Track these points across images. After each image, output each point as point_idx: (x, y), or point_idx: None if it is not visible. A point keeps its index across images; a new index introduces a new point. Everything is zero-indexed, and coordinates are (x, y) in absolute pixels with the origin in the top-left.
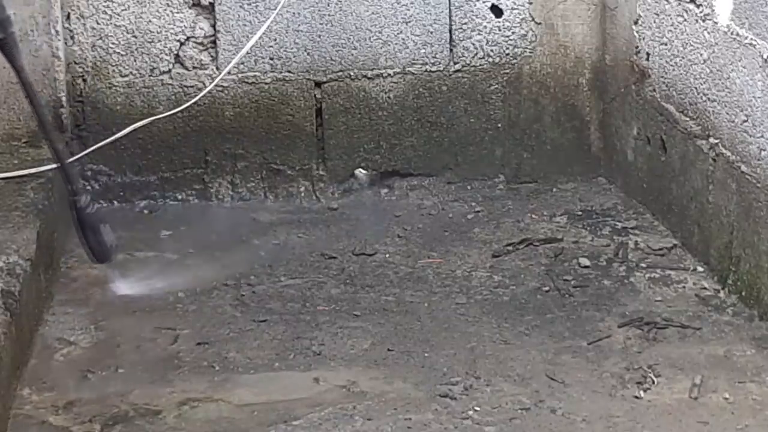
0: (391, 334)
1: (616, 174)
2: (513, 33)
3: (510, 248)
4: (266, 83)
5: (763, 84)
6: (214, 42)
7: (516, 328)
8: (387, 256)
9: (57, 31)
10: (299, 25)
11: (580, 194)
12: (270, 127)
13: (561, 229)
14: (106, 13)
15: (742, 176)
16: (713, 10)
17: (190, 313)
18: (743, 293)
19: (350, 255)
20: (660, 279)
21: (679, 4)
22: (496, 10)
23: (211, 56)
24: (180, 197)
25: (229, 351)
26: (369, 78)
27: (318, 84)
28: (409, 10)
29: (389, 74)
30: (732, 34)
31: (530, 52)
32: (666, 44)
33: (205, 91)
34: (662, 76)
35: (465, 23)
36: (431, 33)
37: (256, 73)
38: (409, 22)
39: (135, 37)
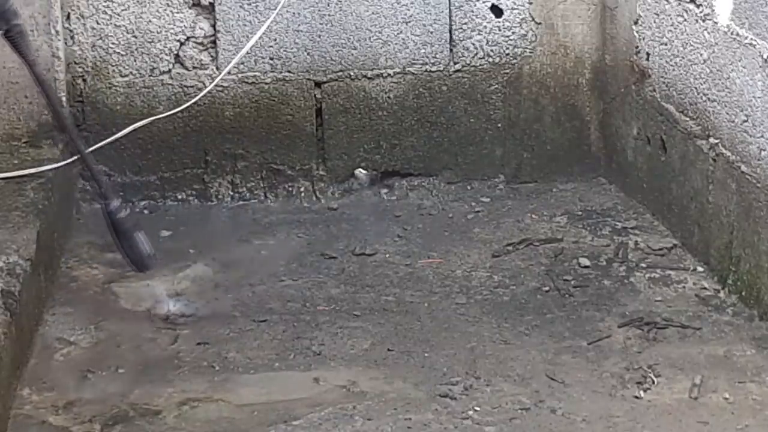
0: (391, 334)
1: (616, 174)
2: (513, 33)
3: (510, 248)
4: (266, 83)
5: (763, 84)
6: (214, 42)
7: (516, 328)
8: (387, 256)
9: (57, 31)
10: (299, 25)
11: (580, 194)
12: (270, 127)
13: (561, 229)
14: (106, 13)
15: (742, 176)
16: (713, 10)
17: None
18: (743, 293)
19: (350, 255)
20: (660, 279)
21: (679, 4)
22: (496, 10)
23: (211, 56)
24: (180, 197)
25: (229, 351)
26: (369, 78)
27: (318, 84)
28: (409, 10)
29: (389, 74)
30: (732, 34)
31: (530, 52)
32: (666, 44)
33: (205, 91)
34: (662, 76)
35: (465, 23)
36: (431, 33)
37: (256, 73)
38: (409, 22)
39: (135, 37)
